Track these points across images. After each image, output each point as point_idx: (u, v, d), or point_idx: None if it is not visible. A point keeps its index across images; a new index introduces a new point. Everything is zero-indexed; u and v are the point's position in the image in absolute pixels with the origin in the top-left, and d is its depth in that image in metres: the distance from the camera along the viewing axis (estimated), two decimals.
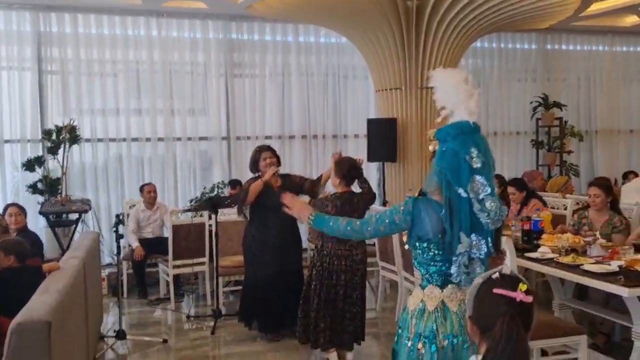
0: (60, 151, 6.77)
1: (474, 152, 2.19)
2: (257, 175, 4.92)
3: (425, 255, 2.28)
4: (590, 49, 9.30)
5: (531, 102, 8.83)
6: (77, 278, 3.52)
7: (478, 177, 2.18)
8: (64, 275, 3.43)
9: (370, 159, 7.23)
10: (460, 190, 2.17)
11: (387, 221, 2.32)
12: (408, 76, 7.10)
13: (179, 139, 7.66)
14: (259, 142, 7.81)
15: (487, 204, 2.17)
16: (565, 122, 8.83)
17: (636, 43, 9.52)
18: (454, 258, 2.20)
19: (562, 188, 6.65)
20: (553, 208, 5.85)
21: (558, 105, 8.75)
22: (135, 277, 6.57)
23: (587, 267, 3.79)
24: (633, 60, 9.55)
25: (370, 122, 7.35)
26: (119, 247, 4.91)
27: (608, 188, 4.86)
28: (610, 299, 4.24)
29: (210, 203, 5.44)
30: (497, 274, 1.67)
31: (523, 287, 1.61)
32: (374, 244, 5.81)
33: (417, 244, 2.28)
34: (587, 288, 4.54)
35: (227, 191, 7.02)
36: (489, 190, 2.18)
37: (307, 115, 8.09)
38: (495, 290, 1.61)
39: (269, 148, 4.97)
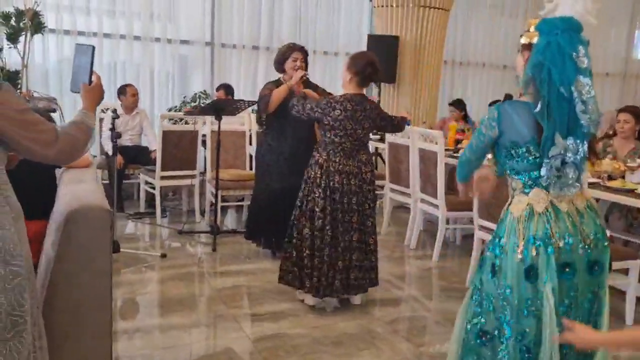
0: (22, 39, 5.87)
1: (582, 50, 2.01)
2: (277, 78, 4.40)
3: (525, 162, 2.10)
4: None
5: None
6: None
7: (582, 78, 2.00)
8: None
9: None
10: (562, 89, 1.99)
11: (473, 139, 2.22)
12: None
13: (157, 39, 6.87)
14: (246, 52, 7.21)
15: (590, 106, 2.02)
16: None
17: None
18: (545, 160, 2.05)
19: None
20: None
21: None
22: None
23: None
24: None
25: (371, 38, 6.87)
26: (115, 147, 4.29)
27: (639, 115, 4.72)
28: (630, 227, 4.31)
29: (215, 107, 4.85)
30: None
31: None
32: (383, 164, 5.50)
33: (513, 151, 2.10)
34: (609, 215, 4.54)
35: (215, 96, 6.38)
36: (593, 92, 2.03)
37: (298, 28, 7.48)
38: None
39: (301, 48, 4.39)
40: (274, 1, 7.32)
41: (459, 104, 6.67)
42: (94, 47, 2.00)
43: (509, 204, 2.19)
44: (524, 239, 2.07)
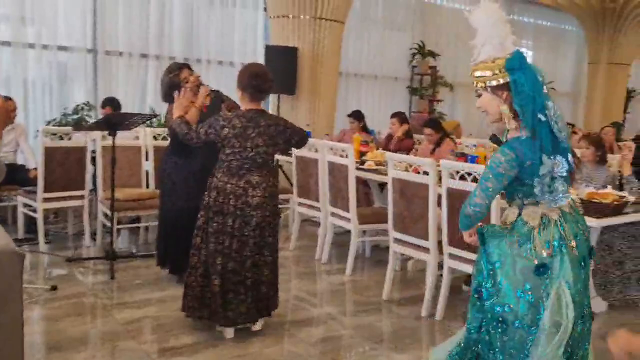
0: None
1: (540, 78, 2.21)
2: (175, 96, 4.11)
3: (524, 187, 2.25)
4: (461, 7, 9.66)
5: (410, 49, 8.92)
6: None
7: (548, 102, 2.20)
8: None
9: None
10: (540, 115, 2.16)
11: (488, 184, 2.23)
12: (304, 4, 6.63)
13: (31, 45, 6.20)
14: (134, 60, 6.75)
15: (561, 124, 2.22)
16: (437, 71, 9.12)
17: None
18: (536, 179, 2.20)
19: (453, 131, 6.81)
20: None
21: (432, 54, 8.96)
22: None
23: None
24: None
25: (269, 49, 6.71)
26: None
27: None
28: None
29: (108, 122, 4.42)
30: None
31: None
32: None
33: (528, 180, 2.22)
34: None
35: (101, 113, 5.85)
36: (559, 112, 2.23)
37: (190, 35, 7.13)
38: None
39: (184, 65, 4.13)
40: (164, 5, 6.92)
41: (357, 115, 6.70)
42: None
43: (519, 215, 2.28)
44: (540, 243, 2.20)
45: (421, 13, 9.21)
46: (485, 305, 2.27)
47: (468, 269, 3.64)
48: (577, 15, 10.80)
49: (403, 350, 3.33)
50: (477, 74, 2.24)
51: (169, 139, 4.20)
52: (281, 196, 5.83)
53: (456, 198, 3.55)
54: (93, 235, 5.13)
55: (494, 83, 2.20)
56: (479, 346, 2.32)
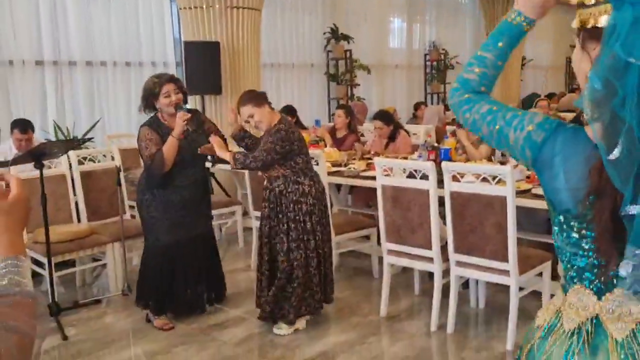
0: None
1: None
2: (152, 117, 3.58)
3: (564, 235, 1.23)
4: None
5: (324, 34, 8.57)
6: None
7: None
8: None
9: (190, 91, 5.97)
10: None
11: (496, 127, 1.25)
12: None
13: None
14: (29, 68, 5.79)
15: None
16: (351, 54, 8.86)
17: None
18: (629, 251, 1.10)
19: None
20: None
21: (346, 37, 8.68)
22: None
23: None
24: None
25: (188, 45, 6.03)
26: None
27: None
28: None
29: (34, 154, 3.65)
30: None
31: None
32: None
33: (551, 209, 1.26)
34: None
35: (12, 139, 4.81)
36: None
37: (89, 37, 6.24)
38: None
39: (171, 78, 3.57)
40: (55, 8, 5.96)
41: (290, 111, 6.25)
42: None
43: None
44: None
45: None
46: None
47: (477, 275, 3.44)
48: None
49: None
50: None
51: (142, 172, 3.66)
52: (227, 209, 5.33)
53: (460, 202, 3.31)
54: None
55: (574, 25, 1.21)
56: None
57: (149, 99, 3.51)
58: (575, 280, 1.24)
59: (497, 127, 1.26)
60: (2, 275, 0.95)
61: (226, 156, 3.39)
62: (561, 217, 1.22)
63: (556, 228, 1.25)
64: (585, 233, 1.19)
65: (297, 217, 3.40)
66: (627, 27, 1.05)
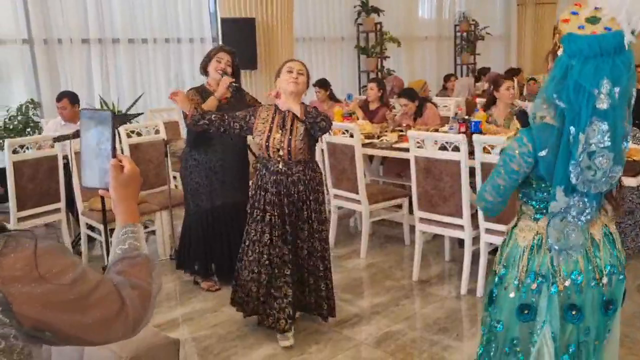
0: None
1: (606, 86, 1.62)
2: (201, 84, 3.84)
3: (543, 194, 1.86)
4: None
5: (355, 7, 8.67)
6: None
7: (598, 122, 1.64)
8: None
9: None
10: (572, 130, 1.67)
11: (498, 180, 1.90)
12: None
13: None
14: (76, 47, 6.08)
15: (598, 160, 1.68)
16: (382, 27, 8.95)
17: None
18: (549, 219, 1.81)
19: (421, 90, 6.74)
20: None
21: (376, 10, 8.77)
22: None
23: None
24: None
25: (225, 22, 6.24)
26: None
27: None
28: None
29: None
30: None
31: None
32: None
33: (535, 183, 1.86)
34: None
35: (58, 107, 5.16)
36: (608, 142, 1.66)
37: (132, 13, 6.49)
38: None
39: (231, 51, 3.79)
40: None
41: (323, 84, 6.43)
42: (113, 114, 1.30)
43: (514, 226, 1.97)
44: (525, 272, 1.86)
45: None
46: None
47: None
48: None
49: (469, 338, 3.30)
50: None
51: (186, 134, 3.93)
52: None
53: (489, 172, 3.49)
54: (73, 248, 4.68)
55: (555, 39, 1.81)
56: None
57: (205, 61, 3.75)
58: (545, 212, 1.85)
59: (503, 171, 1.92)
60: (123, 240, 1.18)
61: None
62: (545, 184, 1.83)
63: (534, 189, 1.87)
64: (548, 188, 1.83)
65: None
66: (560, 75, 1.67)
